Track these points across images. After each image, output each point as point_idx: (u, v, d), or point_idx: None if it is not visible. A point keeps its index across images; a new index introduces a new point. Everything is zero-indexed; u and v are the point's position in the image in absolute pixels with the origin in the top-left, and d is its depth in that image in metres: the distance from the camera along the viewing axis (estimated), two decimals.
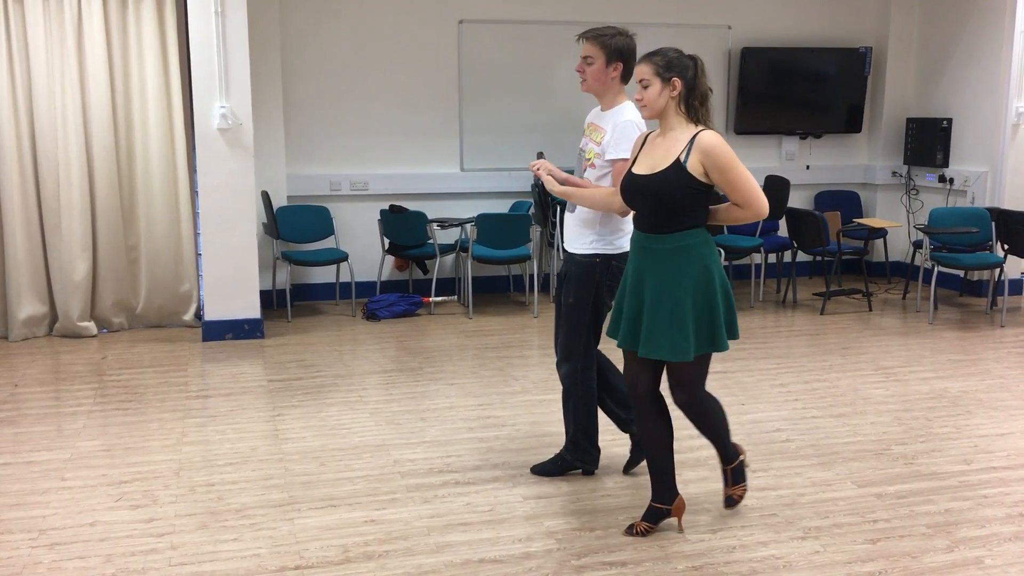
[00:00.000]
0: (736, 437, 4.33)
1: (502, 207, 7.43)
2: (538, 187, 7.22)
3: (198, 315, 6.45)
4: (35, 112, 5.98)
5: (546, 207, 7.23)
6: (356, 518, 3.49)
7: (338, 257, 6.89)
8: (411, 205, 7.08)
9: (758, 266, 7.64)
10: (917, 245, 7.60)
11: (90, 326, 6.25)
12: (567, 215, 3.72)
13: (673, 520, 3.41)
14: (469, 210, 7.21)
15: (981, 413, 4.73)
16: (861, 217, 8.18)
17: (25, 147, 5.99)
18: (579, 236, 3.64)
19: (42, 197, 6.08)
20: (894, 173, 8.33)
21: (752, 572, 3.11)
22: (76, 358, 5.74)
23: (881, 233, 7.96)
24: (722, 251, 6.96)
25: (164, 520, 3.46)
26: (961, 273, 7.52)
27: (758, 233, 7.50)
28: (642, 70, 3.15)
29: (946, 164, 7.83)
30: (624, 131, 3.49)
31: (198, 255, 6.37)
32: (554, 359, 3.87)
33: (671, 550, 3.26)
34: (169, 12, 6.13)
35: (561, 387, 3.81)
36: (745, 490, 3.48)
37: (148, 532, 3.36)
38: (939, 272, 6.85)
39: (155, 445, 4.24)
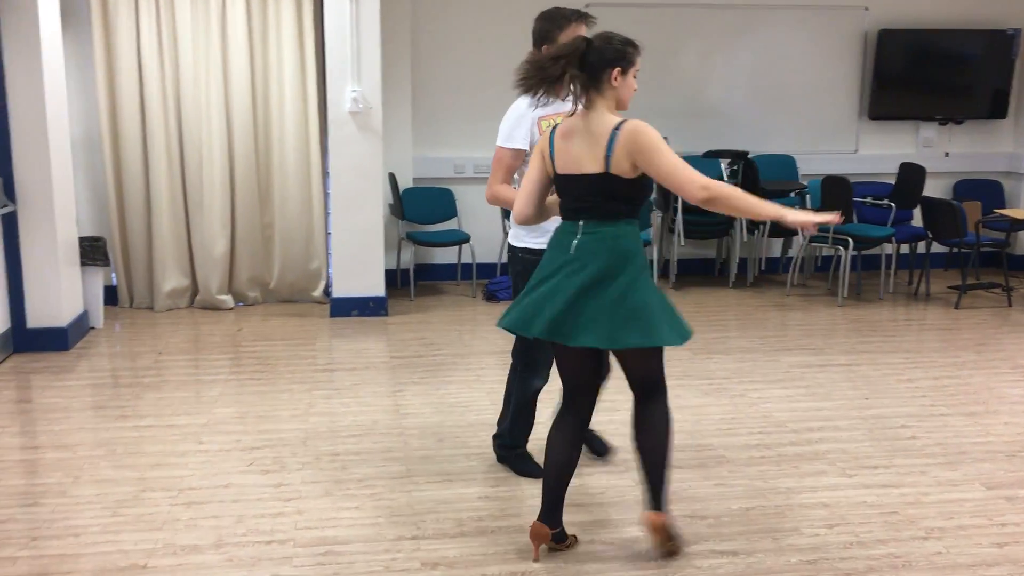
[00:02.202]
0: (858, 432, 4.26)
1: None
2: None
3: (326, 292, 6.71)
4: (182, 98, 6.32)
5: (667, 192, 7.17)
6: (471, 494, 3.59)
7: (460, 239, 7.02)
8: None
9: (889, 256, 7.38)
10: None
11: (228, 299, 6.59)
12: None
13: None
14: None
15: None
16: (1003, 208, 7.77)
17: (172, 130, 6.35)
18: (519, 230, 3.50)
19: (187, 177, 6.43)
20: None
21: (868, 570, 3.05)
22: (214, 329, 6.07)
23: None
24: (851, 240, 6.76)
25: (291, 486, 3.65)
26: None
27: (890, 223, 7.24)
28: None
29: None
30: None
31: (327, 234, 6.61)
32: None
33: (785, 543, 3.23)
34: (307, 1, 6.37)
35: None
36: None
37: (276, 496, 3.55)
38: None
39: (284, 414, 4.46)
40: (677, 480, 3.71)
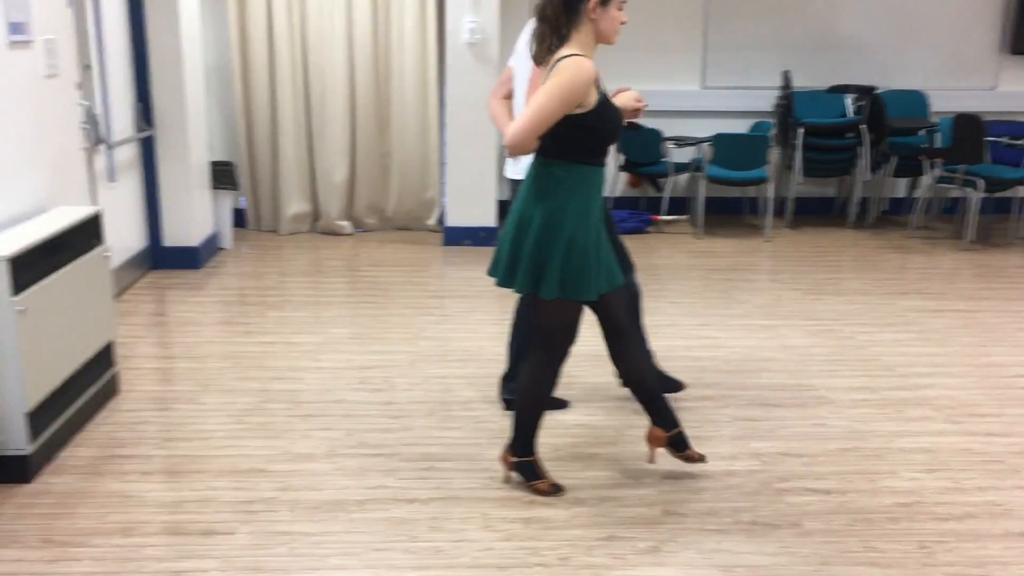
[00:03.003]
0: (970, 380, 4.16)
1: (742, 127, 7.26)
2: (783, 106, 6.99)
3: (440, 221, 6.88)
4: (307, 29, 6.51)
5: (786, 128, 6.99)
6: (568, 420, 3.71)
7: None
8: (648, 123, 7.07)
9: (1022, 200, 7.01)
10: None
11: (347, 225, 6.84)
12: None
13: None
14: (708, 129, 7.10)
15: None
16: None
17: (298, 61, 6.56)
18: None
19: (311, 106, 6.66)
20: None
21: (966, 515, 3.03)
22: (333, 253, 6.33)
23: None
24: (981, 181, 6.46)
25: (399, 405, 3.84)
26: None
27: None
28: None
29: None
30: None
31: (442, 164, 6.75)
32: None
33: (880, 484, 3.23)
34: None
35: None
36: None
37: (385, 413, 3.76)
38: None
39: (395, 337, 4.66)
40: (775, 418, 3.74)
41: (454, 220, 6.52)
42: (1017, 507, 3.08)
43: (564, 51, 2.81)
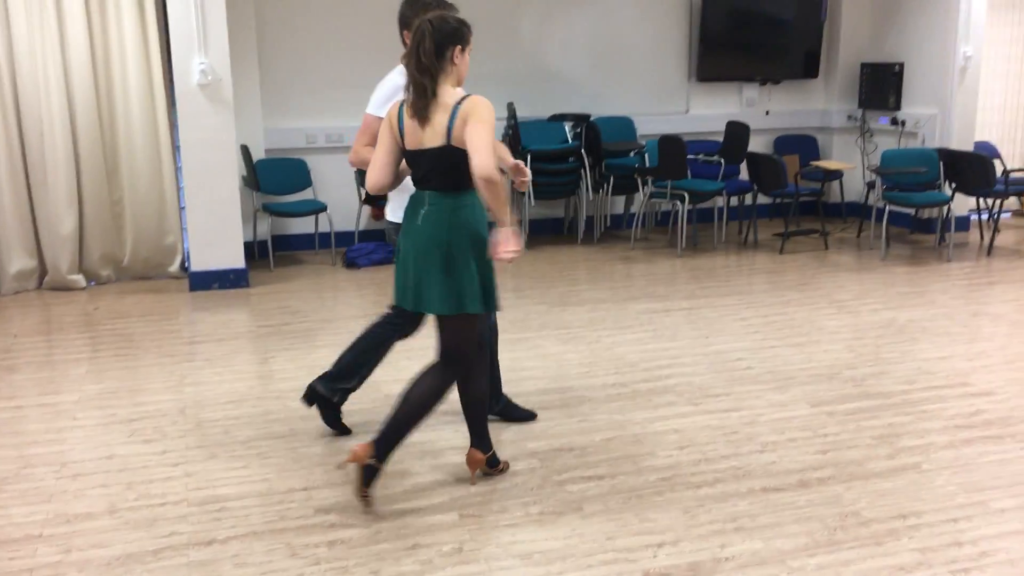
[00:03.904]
0: (701, 366, 4.72)
1: None
2: (511, 136, 7.46)
3: (183, 266, 6.67)
4: (17, 71, 6.10)
5: (515, 156, 7.47)
6: (354, 445, 3.79)
7: (317, 208, 7.11)
8: None
9: (721, 209, 7.97)
10: (870, 186, 7.96)
11: (79, 279, 6.44)
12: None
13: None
14: None
15: (925, 339, 5.12)
16: (818, 160, 8.52)
17: (8, 104, 6.12)
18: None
19: (27, 153, 6.23)
20: (849, 117, 8.66)
21: (716, 480, 3.47)
22: (68, 310, 5.95)
23: (837, 175, 8.31)
24: (686, 195, 7.28)
25: (176, 452, 3.74)
26: (912, 211, 7.91)
27: (720, 177, 7.82)
28: None
29: (898, 107, 8.17)
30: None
31: (181, 208, 6.56)
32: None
33: (643, 464, 3.61)
34: None
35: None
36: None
37: (163, 462, 3.65)
38: (891, 211, 7.23)
39: (158, 387, 4.50)
40: (545, 419, 4.04)
41: (199, 265, 6.35)
42: (755, 468, 3.57)
43: (449, 94, 3.06)
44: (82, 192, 6.40)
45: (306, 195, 7.33)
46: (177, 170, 6.51)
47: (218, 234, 6.30)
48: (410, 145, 3.14)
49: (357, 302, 6.12)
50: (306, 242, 7.54)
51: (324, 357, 4.91)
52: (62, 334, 5.44)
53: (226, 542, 3.04)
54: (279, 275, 6.80)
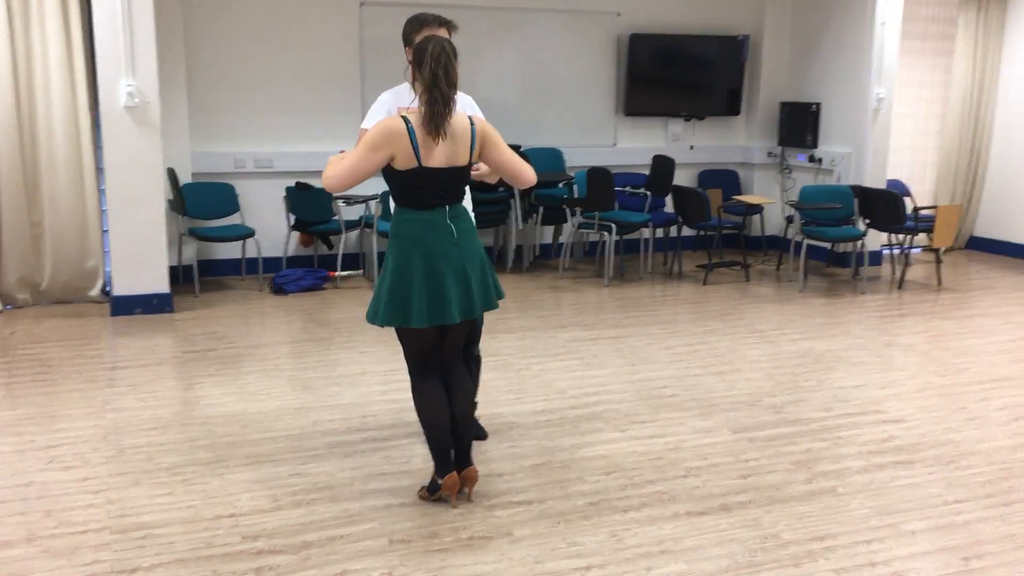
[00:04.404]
0: (628, 394, 4.81)
1: None
2: None
3: (105, 291, 6.53)
4: None
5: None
6: (282, 472, 3.77)
7: (245, 233, 7.04)
8: (315, 182, 7.26)
9: (647, 240, 8.15)
10: (789, 220, 8.23)
11: None
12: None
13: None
14: (373, 187, 7.44)
15: (841, 368, 5.31)
16: (740, 194, 8.78)
17: None
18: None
19: None
20: (769, 153, 8.96)
21: (642, 505, 3.54)
22: None
23: (758, 209, 8.58)
24: (614, 226, 7.42)
25: (98, 479, 3.66)
26: (828, 245, 8.20)
27: (646, 209, 8.00)
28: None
29: (815, 145, 8.49)
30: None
31: (104, 231, 6.44)
32: None
33: (571, 489, 3.66)
34: None
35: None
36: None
37: (84, 489, 3.57)
38: (808, 245, 7.48)
39: (78, 413, 4.40)
40: (475, 445, 4.04)
41: (122, 289, 6.22)
42: (680, 493, 3.65)
43: (459, 111, 3.26)
44: (0, 214, 6.23)
45: (234, 220, 7.26)
46: (101, 192, 6.39)
47: (142, 258, 6.20)
48: (429, 162, 3.20)
49: (285, 328, 6.08)
50: (233, 267, 7.46)
51: (251, 383, 4.88)
52: None
53: (151, 570, 2.99)
54: (205, 300, 6.71)
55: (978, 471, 3.91)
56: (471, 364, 3.90)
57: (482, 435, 4.14)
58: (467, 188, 3.63)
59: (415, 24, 3.66)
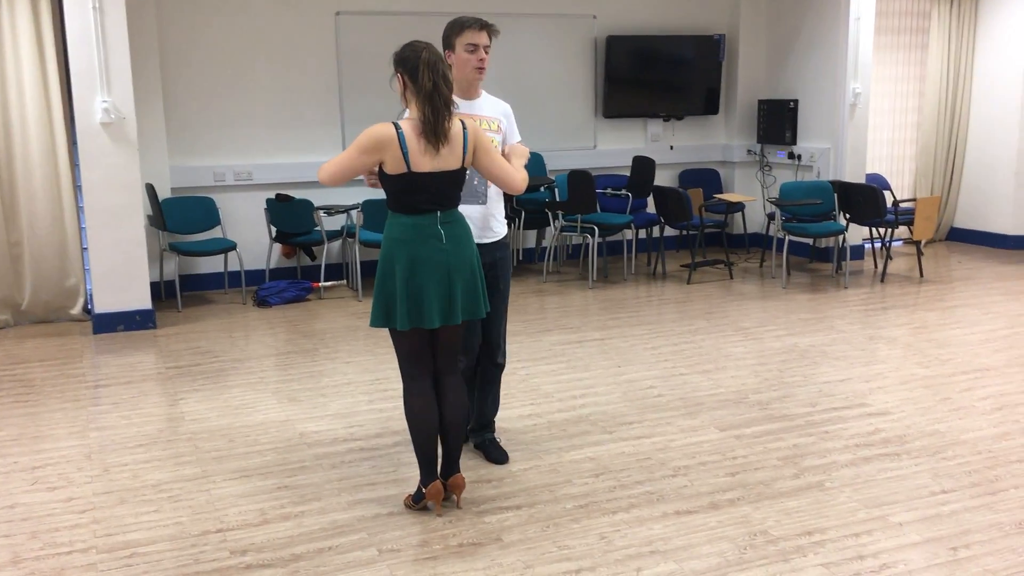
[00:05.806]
0: (614, 395, 4.81)
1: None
2: None
3: (86, 309, 6.49)
4: None
5: None
6: (269, 485, 3.75)
7: (226, 246, 7.01)
8: (296, 193, 7.26)
9: (629, 241, 8.16)
10: (771, 217, 8.27)
11: None
12: (474, 207, 3.68)
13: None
14: (354, 196, 7.44)
15: (825, 363, 5.33)
16: (721, 193, 8.81)
17: None
18: (498, 221, 3.82)
19: None
20: (749, 151, 9.00)
21: (631, 506, 3.54)
22: None
23: (739, 207, 8.61)
24: (596, 228, 7.43)
25: (83, 498, 3.63)
26: (810, 241, 8.24)
27: (628, 210, 8.01)
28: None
29: (794, 142, 8.53)
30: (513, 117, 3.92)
31: (84, 249, 6.40)
32: None
33: (560, 493, 3.66)
34: (44, 7, 6.12)
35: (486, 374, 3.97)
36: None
37: (69, 510, 3.54)
38: (790, 241, 7.52)
39: (62, 432, 4.37)
40: (463, 451, 4.04)
41: (103, 306, 6.18)
42: (668, 492, 3.65)
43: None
44: None
45: (214, 233, 7.23)
46: (79, 210, 6.35)
47: (123, 275, 6.16)
48: (419, 167, 3.22)
49: (269, 341, 6.05)
50: (215, 281, 7.42)
51: (236, 397, 4.85)
52: None
53: None
54: (187, 315, 6.67)
55: (964, 461, 3.93)
56: (494, 371, 3.93)
57: (502, 459, 3.95)
58: (499, 197, 3.75)
59: (456, 27, 3.68)
